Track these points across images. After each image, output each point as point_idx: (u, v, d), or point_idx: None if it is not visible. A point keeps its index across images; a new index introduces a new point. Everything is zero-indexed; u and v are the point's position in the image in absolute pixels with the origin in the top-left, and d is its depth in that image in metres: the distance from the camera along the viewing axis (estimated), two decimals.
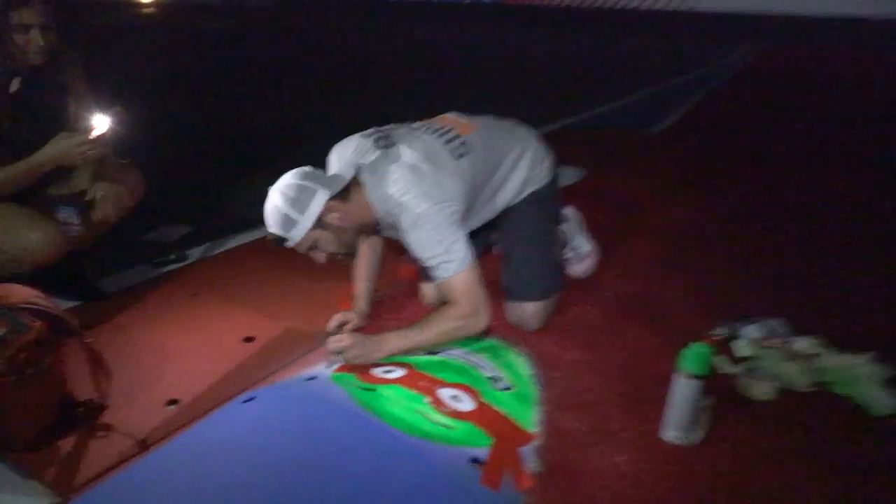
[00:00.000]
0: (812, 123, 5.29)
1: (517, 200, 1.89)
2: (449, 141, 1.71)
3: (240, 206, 3.09)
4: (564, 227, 2.23)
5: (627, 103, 6.10)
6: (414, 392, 1.52)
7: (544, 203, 1.94)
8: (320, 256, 1.66)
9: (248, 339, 1.85)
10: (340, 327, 1.87)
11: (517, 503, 1.27)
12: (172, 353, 1.78)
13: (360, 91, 6.72)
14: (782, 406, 1.59)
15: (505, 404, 1.55)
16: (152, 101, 5.44)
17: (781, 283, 2.27)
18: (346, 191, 1.62)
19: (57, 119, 1.85)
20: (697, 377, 1.40)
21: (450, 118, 1.82)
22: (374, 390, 1.52)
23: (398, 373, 1.62)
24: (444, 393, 1.54)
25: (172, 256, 2.39)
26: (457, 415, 1.46)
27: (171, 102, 5.88)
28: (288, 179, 1.58)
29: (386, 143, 1.67)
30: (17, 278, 1.87)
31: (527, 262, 1.91)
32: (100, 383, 1.49)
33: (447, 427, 1.42)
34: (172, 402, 1.57)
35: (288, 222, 1.56)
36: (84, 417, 1.46)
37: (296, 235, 1.57)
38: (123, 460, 1.36)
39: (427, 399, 1.50)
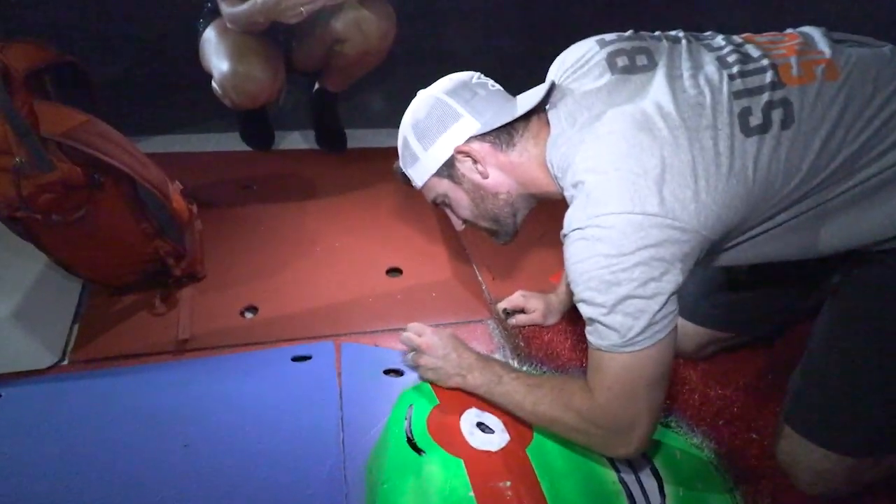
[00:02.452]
0: None
1: (879, 248, 0.84)
2: (748, 93, 0.78)
3: None
4: None
5: None
6: (470, 495, 0.88)
7: None
8: (455, 220, 1.04)
9: (394, 271, 1.39)
10: (510, 314, 1.27)
11: None
12: (300, 252, 1.43)
13: None
14: None
15: None
16: None
17: None
18: (512, 131, 0.91)
19: None
20: None
21: (792, 42, 0.83)
22: (421, 453, 0.93)
23: (492, 441, 0.97)
24: None
25: None
26: None
27: None
28: (434, 88, 0.95)
29: (630, 64, 0.84)
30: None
31: (849, 378, 0.89)
32: (194, 253, 1.25)
33: None
34: (251, 309, 1.26)
35: (410, 155, 0.97)
36: (171, 280, 1.26)
37: (416, 177, 0.99)
38: (148, 354, 1.13)
39: None
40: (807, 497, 0.96)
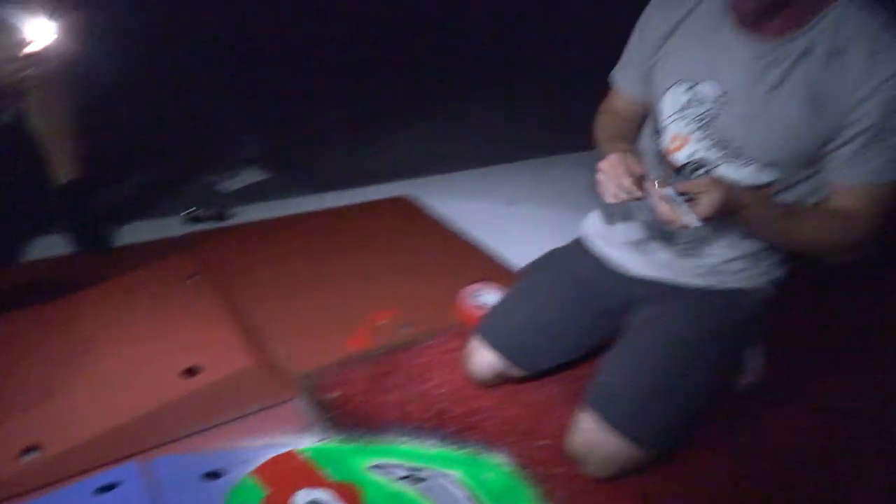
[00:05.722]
0: None
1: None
2: None
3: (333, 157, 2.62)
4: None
5: None
6: None
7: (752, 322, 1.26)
8: None
9: (190, 372, 1.35)
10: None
11: None
12: (82, 370, 1.33)
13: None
14: None
15: None
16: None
17: None
18: None
19: None
20: None
21: None
22: None
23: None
24: None
25: (207, 213, 1.97)
26: None
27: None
28: None
29: None
30: None
31: (643, 378, 1.16)
32: None
33: None
34: (31, 449, 1.14)
35: None
36: None
37: None
38: None
39: None
40: (593, 483, 1.17)
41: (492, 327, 1.36)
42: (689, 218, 0.99)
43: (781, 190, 1.12)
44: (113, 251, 1.77)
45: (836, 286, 1.87)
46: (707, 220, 1.01)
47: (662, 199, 1.03)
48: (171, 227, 1.91)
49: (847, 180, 1.06)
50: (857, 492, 1.21)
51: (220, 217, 1.99)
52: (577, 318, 1.33)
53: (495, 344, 1.33)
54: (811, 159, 1.08)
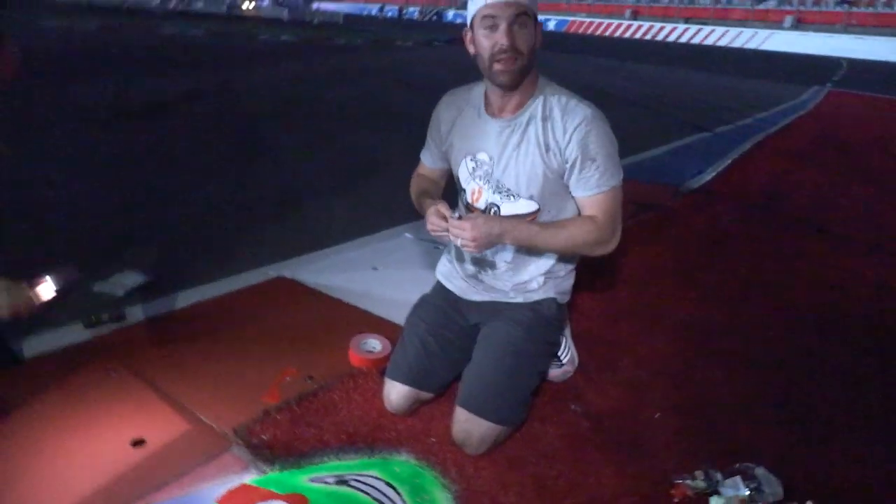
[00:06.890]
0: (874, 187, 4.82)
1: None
2: None
3: (203, 254, 2.91)
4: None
5: (661, 153, 5.74)
6: None
7: (553, 323, 1.79)
8: (521, 39, 1.54)
9: (138, 443, 1.61)
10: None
11: None
12: (35, 462, 1.53)
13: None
14: None
15: None
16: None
17: (791, 418, 1.90)
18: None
19: None
20: None
21: None
22: None
23: None
24: None
25: (105, 316, 2.18)
26: None
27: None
28: None
29: None
30: None
31: (496, 377, 1.63)
32: None
33: None
34: None
35: None
36: None
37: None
38: None
39: None
40: (474, 459, 1.59)
41: (396, 367, 1.76)
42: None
43: (549, 214, 1.69)
44: (25, 363, 1.93)
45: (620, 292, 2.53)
46: (475, 241, 1.53)
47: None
48: (76, 334, 2.10)
49: (582, 195, 1.64)
50: (649, 438, 1.78)
51: (120, 318, 2.20)
52: (452, 339, 1.79)
53: (402, 379, 1.72)
54: (556, 189, 1.66)
